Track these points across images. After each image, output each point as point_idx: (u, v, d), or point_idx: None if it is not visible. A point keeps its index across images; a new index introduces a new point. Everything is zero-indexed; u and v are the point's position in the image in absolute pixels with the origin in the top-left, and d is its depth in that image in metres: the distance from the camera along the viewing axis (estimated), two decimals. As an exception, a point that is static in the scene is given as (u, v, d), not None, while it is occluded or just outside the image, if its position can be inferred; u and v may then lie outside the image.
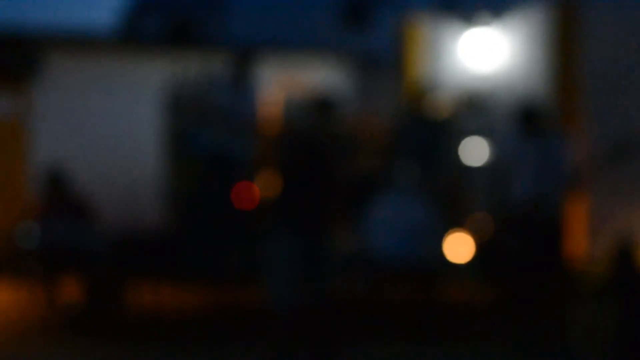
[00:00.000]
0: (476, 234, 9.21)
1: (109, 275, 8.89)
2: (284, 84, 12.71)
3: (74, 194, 9.20)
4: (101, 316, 8.64)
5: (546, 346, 7.42)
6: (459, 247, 9.35)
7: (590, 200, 9.32)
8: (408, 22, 12.25)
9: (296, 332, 6.67)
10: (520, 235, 7.86)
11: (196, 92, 9.24)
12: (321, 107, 6.94)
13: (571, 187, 8.14)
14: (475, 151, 9.92)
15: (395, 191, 9.06)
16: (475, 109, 10.21)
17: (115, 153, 12.13)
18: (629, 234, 8.80)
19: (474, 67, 11.29)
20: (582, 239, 9.37)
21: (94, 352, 7.54)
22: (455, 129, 10.07)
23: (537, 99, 9.64)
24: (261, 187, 10.59)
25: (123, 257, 9.09)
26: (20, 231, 9.12)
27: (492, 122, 10.36)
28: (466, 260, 9.12)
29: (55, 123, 11.83)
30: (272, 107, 10.60)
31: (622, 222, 9.45)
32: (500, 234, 8.35)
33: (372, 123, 11.69)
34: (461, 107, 10.00)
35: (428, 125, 10.20)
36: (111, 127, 12.18)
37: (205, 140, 9.36)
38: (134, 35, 15.55)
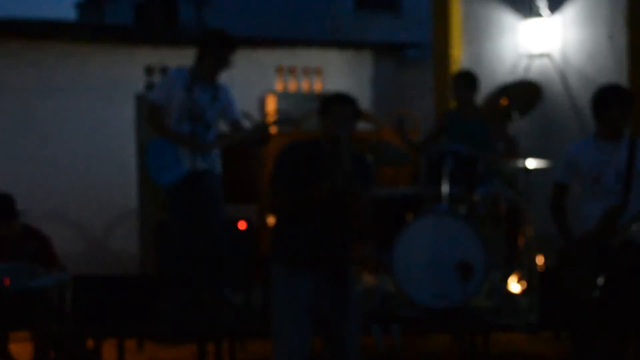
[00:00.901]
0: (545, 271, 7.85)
1: (71, 332, 7.39)
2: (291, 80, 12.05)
3: (25, 227, 7.74)
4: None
5: None
6: (521, 287, 8.15)
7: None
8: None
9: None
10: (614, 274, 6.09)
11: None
12: (339, 104, 5.63)
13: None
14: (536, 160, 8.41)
15: (439, 215, 7.73)
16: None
17: (80, 172, 10.77)
18: None
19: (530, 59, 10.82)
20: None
21: None
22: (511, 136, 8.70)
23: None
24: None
25: (91, 308, 7.41)
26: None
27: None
28: (531, 303, 7.67)
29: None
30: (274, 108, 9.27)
31: None
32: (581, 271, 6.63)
33: (406, 127, 10.83)
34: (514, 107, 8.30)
35: (479, 131, 8.68)
36: (70, 142, 10.69)
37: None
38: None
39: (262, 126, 7.91)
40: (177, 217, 7.73)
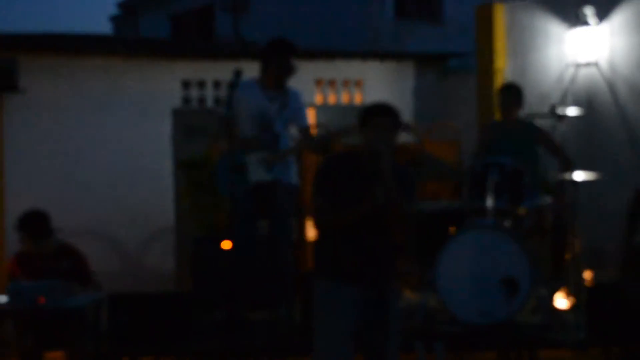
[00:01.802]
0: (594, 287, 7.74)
1: (106, 351, 7.37)
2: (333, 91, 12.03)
3: (60, 245, 7.79)
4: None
5: None
6: (568, 302, 8.04)
7: None
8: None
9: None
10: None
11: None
12: (379, 116, 5.56)
13: None
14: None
15: (483, 229, 7.70)
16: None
17: (116, 188, 10.82)
18: None
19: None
20: None
21: None
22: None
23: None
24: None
25: (127, 327, 7.40)
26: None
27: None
28: (578, 319, 7.60)
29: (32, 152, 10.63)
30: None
31: None
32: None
33: (449, 139, 10.80)
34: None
35: (523, 140, 8.62)
36: (106, 157, 10.73)
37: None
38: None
39: (323, 138, 7.99)
40: (234, 230, 7.77)
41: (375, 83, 12.75)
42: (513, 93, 8.69)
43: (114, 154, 10.92)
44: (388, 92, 12.49)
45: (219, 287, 7.81)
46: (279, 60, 7.84)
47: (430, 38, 16.86)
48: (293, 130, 8.04)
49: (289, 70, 7.88)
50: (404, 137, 5.82)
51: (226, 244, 8.27)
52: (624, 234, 6.57)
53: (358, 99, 12.70)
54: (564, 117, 8.16)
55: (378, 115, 5.53)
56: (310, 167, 9.61)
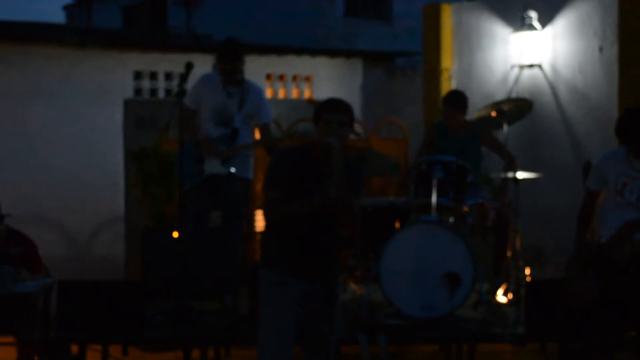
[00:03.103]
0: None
1: (55, 338, 7.30)
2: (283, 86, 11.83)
3: (10, 231, 7.65)
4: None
5: None
6: (508, 298, 8.15)
7: None
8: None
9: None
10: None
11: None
12: (332, 112, 5.51)
13: None
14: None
15: (427, 225, 7.66)
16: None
17: (67, 176, 10.70)
18: None
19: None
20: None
21: None
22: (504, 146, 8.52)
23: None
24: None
25: (75, 314, 7.33)
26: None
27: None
28: (518, 314, 7.71)
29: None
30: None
31: None
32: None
33: (394, 134, 10.85)
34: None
35: (468, 140, 8.66)
36: (57, 146, 10.64)
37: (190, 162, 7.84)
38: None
39: (271, 140, 7.99)
40: (186, 220, 7.74)
41: (325, 79, 12.77)
42: (457, 101, 8.71)
43: (65, 142, 10.82)
44: (337, 88, 12.52)
45: (168, 276, 7.78)
46: (220, 61, 7.86)
47: (379, 37, 16.91)
48: (251, 126, 8.05)
49: (232, 71, 7.87)
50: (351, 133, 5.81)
51: (176, 234, 8.25)
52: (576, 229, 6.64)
53: (307, 94, 12.71)
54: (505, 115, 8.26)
55: (331, 111, 5.48)
56: (260, 161, 9.61)
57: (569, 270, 6.46)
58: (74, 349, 7.41)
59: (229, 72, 7.85)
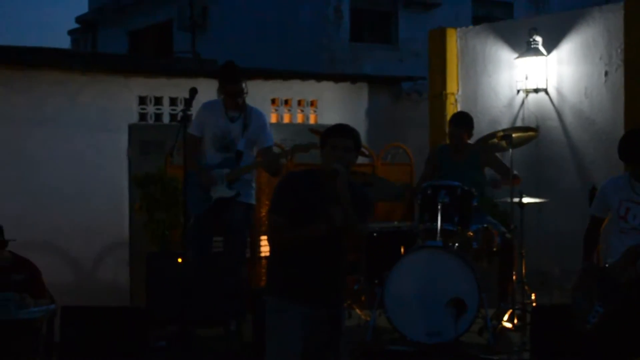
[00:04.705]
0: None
1: None
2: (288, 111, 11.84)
3: (14, 257, 7.68)
4: None
5: None
6: (513, 323, 8.15)
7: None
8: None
9: None
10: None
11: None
12: (338, 137, 5.52)
13: None
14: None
15: (432, 250, 7.69)
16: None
17: (71, 202, 10.78)
18: None
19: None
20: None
21: None
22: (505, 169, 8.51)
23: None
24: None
25: (79, 340, 7.40)
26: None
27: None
28: (523, 339, 7.77)
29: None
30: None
31: None
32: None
33: (400, 159, 10.85)
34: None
35: (471, 164, 8.75)
36: (62, 170, 10.72)
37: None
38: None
39: (272, 158, 8.04)
40: (190, 246, 7.77)
41: (330, 104, 12.79)
42: (463, 122, 8.76)
43: (70, 167, 10.82)
44: (342, 113, 12.54)
45: (172, 302, 7.79)
46: (224, 85, 7.93)
47: (385, 61, 16.96)
48: (254, 151, 8.11)
49: (235, 95, 7.95)
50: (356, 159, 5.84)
51: (180, 260, 8.27)
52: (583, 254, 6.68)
53: (312, 119, 12.74)
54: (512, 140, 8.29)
55: (337, 136, 5.50)
56: (263, 186, 9.64)
57: (574, 296, 6.47)
58: (78, 375, 7.44)
59: (233, 94, 7.94)
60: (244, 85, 8.00)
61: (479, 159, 8.66)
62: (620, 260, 6.21)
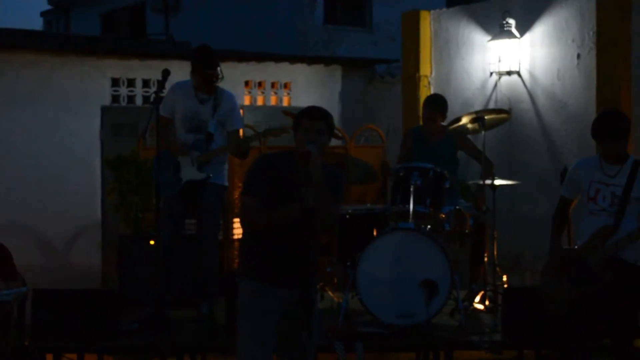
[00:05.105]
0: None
1: (30, 347, 7.26)
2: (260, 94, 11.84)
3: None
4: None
5: None
6: (485, 305, 8.21)
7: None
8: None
9: None
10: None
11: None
12: (311, 119, 5.52)
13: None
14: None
15: (404, 232, 7.67)
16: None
17: (43, 184, 10.77)
18: None
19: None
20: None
21: None
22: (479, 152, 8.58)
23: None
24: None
25: (50, 323, 7.35)
26: None
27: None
28: (495, 321, 7.71)
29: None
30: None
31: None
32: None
33: (373, 141, 10.87)
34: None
35: (444, 146, 8.75)
36: (34, 152, 10.64)
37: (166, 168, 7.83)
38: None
39: (242, 140, 8.01)
40: (162, 228, 7.73)
41: (304, 86, 12.77)
42: (438, 104, 8.77)
43: (42, 149, 10.79)
44: (316, 95, 12.53)
45: (144, 284, 7.77)
46: (198, 68, 7.90)
47: (359, 43, 16.93)
48: (224, 132, 8.08)
49: (209, 78, 7.92)
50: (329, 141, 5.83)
51: (152, 242, 8.25)
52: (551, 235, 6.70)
53: (286, 101, 12.73)
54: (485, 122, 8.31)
55: (310, 118, 5.50)
56: (236, 167, 9.62)
57: (543, 277, 6.51)
58: (49, 358, 7.41)
59: (208, 79, 7.89)
60: (219, 70, 7.96)
61: (452, 141, 8.68)
62: (589, 241, 6.25)
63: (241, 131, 8.19)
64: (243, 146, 7.94)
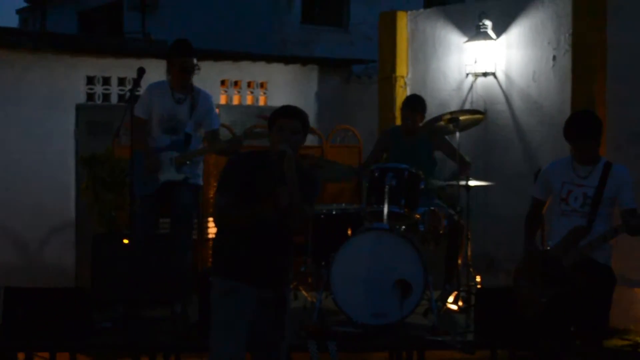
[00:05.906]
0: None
1: (1, 345, 7.19)
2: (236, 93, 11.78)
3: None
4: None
5: None
6: (459, 305, 8.25)
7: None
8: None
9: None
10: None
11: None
12: (286, 118, 5.55)
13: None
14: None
15: (378, 233, 7.67)
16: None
17: (17, 181, 10.80)
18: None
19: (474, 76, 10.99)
20: None
21: None
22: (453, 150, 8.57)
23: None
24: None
25: (22, 321, 7.28)
26: None
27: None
28: (468, 321, 7.82)
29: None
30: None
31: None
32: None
33: (349, 141, 10.88)
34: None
35: (421, 147, 8.80)
36: (9, 150, 10.72)
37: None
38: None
39: (234, 140, 7.99)
40: (135, 227, 7.72)
41: (280, 86, 12.77)
42: (418, 105, 8.80)
43: (16, 147, 10.72)
44: (292, 95, 12.53)
45: (118, 283, 7.74)
46: (176, 61, 7.85)
47: (336, 44, 16.92)
48: (201, 132, 8.06)
49: (187, 71, 7.88)
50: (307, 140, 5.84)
51: (126, 241, 8.23)
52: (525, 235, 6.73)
53: (262, 100, 12.72)
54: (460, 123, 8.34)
55: (285, 117, 5.52)
56: (211, 167, 9.61)
57: (516, 278, 6.53)
58: (21, 356, 7.37)
59: (184, 69, 7.85)
60: (195, 61, 7.94)
61: (429, 141, 8.71)
62: (562, 242, 6.27)
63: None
64: (236, 147, 7.91)
